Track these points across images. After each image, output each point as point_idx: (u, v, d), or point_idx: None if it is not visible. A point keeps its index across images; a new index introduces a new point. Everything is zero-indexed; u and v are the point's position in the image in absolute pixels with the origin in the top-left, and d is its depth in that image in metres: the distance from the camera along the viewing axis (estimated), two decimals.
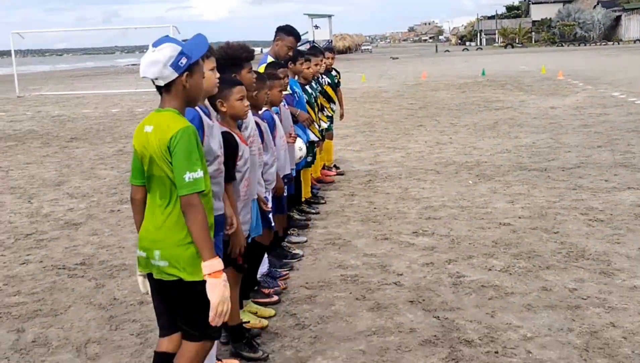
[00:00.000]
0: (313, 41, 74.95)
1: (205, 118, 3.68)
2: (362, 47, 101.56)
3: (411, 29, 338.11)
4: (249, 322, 4.85)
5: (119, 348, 4.66)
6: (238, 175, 4.20)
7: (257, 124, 4.96)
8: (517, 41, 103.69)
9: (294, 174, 6.43)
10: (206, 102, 4.05)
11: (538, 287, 5.44)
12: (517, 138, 13.10)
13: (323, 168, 10.11)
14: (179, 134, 3.01)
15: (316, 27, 74.27)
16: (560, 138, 12.78)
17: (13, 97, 31.35)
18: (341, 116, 11.34)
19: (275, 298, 5.38)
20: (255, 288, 5.38)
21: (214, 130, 3.73)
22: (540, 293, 5.32)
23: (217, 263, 3.07)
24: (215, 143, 3.69)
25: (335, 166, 10.51)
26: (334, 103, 10.10)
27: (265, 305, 5.24)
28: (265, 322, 4.89)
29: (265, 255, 5.81)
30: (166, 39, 3.14)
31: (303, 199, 8.13)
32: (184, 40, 3.28)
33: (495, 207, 7.96)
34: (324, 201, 8.50)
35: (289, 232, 6.88)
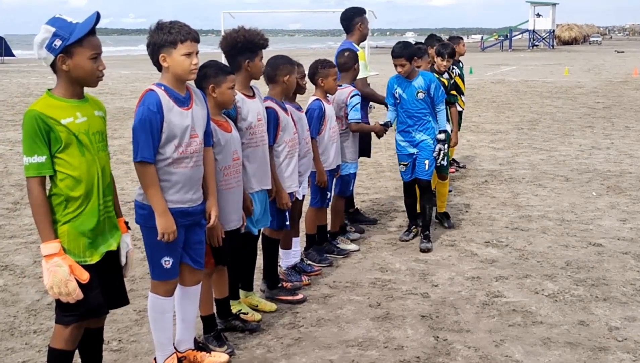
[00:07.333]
0: (533, 31, 71.79)
1: (166, 102, 3.65)
2: (591, 39, 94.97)
3: None
4: (247, 313, 4.80)
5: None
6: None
7: (273, 111, 4.85)
8: None
9: (349, 171, 6.23)
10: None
11: (575, 320, 4.79)
12: None
13: None
14: (24, 117, 3.06)
15: (538, 15, 70.78)
16: None
17: None
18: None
19: (300, 296, 5.22)
20: (280, 284, 5.30)
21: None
22: (572, 328, 4.68)
23: (47, 247, 3.09)
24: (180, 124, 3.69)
25: (454, 160, 9.99)
26: (463, 95, 9.61)
27: (289, 302, 5.14)
28: (258, 316, 4.80)
29: (298, 247, 5.72)
30: (51, 20, 3.13)
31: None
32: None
33: (601, 224, 7.12)
34: None
35: (347, 229, 6.68)
